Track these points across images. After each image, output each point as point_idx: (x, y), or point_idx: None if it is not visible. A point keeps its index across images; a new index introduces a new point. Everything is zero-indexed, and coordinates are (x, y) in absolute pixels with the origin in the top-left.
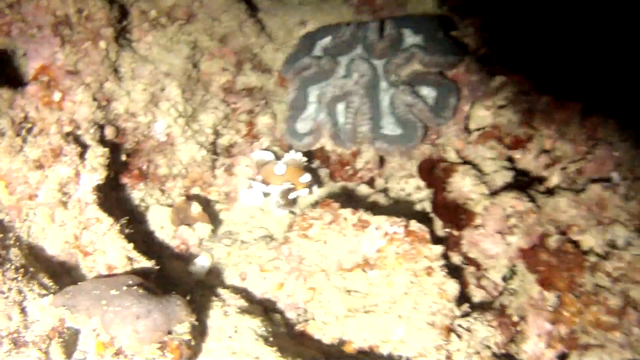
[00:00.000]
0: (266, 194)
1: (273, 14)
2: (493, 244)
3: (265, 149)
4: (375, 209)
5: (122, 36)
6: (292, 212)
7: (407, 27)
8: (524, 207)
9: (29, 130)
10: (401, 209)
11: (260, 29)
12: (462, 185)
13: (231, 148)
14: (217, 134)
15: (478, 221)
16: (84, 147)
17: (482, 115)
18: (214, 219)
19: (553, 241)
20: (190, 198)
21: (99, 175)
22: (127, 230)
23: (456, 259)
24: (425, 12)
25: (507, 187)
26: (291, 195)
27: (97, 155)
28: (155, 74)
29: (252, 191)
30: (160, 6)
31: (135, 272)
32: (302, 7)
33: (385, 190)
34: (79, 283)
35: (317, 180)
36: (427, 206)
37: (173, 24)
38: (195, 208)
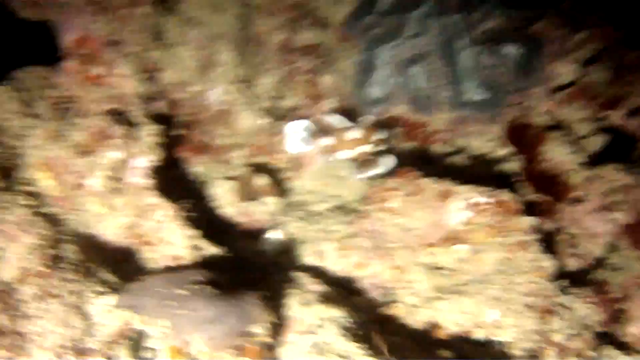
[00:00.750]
0: (306, 139)
1: None
2: (596, 221)
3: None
4: (455, 173)
5: None
6: (370, 179)
7: None
8: (630, 179)
9: (71, 112)
10: (484, 172)
11: None
12: (557, 153)
13: (294, 111)
14: (277, 97)
15: (577, 194)
16: (134, 125)
17: (569, 73)
18: (283, 190)
19: None
20: (255, 168)
21: (153, 156)
22: (190, 215)
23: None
24: None
25: (605, 153)
26: (367, 157)
27: (149, 133)
28: (205, 37)
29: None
30: None
31: (204, 263)
32: None
33: (462, 151)
34: (143, 279)
35: (392, 141)
36: (512, 167)
37: None
38: (262, 179)
